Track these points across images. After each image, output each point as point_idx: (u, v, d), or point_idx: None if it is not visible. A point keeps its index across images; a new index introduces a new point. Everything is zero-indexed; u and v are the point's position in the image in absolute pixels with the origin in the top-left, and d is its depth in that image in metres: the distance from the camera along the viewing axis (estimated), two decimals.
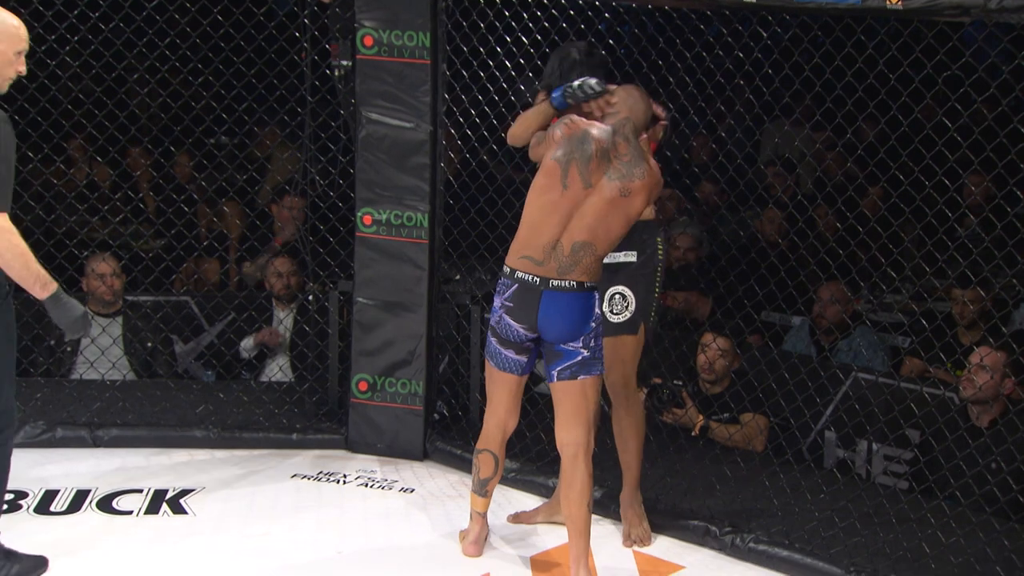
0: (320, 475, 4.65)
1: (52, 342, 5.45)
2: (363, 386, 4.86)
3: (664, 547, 4.09)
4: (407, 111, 4.68)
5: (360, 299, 4.83)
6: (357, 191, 4.79)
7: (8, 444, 3.61)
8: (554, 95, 3.70)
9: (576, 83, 3.66)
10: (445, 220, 4.81)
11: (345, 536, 4.10)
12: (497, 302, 3.67)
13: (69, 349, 5.44)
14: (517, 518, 4.26)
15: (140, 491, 4.40)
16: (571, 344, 3.63)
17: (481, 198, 4.88)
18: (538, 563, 3.95)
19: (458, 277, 4.92)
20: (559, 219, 3.57)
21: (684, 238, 5.83)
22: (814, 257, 4.39)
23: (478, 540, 3.99)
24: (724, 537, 4.04)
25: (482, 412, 4.78)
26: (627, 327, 3.96)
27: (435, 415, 4.91)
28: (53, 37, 5.00)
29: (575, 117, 3.63)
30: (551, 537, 4.11)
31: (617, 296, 3.94)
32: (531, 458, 4.58)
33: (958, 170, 3.95)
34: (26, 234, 5.19)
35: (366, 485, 4.59)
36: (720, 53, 4.23)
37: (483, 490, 3.91)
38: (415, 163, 4.72)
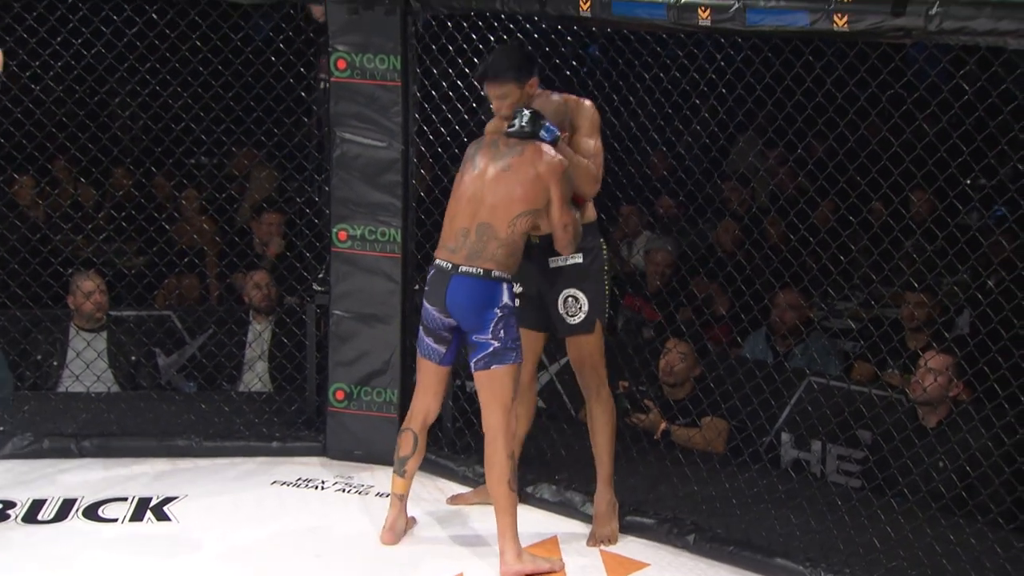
0: (300, 481, 4.75)
1: (39, 357, 5.55)
2: (340, 395, 4.98)
3: (629, 545, 4.23)
4: (379, 131, 4.80)
5: (336, 311, 4.94)
6: (332, 208, 4.89)
7: None
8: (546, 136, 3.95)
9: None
10: (417, 235, 4.94)
11: (325, 540, 4.22)
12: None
13: (55, 363, 5.56)
14: (454, 500, 4.56)
15: (125, 499, 4.48)
16: (480, 336, 3.91)
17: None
18: None
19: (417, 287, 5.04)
20: (464, 205, 3.93)
21: (661, 253, 6.02)
22: (768, 267, 4.58)
23: (394, 527, 4.15)
24: (687, 535, 4.18)
25: (454, 419, 5.00)
26: (583, 327, 4.16)
27: None
28: (37, 63, 5.13)
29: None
30: (524, 536, 4.17)
31: (570, 299, 4.13)
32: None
33: (902, 183, 4.13)
34: (13, 252, 5.37)
35: (344, 490, 4.70)
36: (677, 75, 4.40)
37: (402, 469, 4.11)
38: (388, 181, 4.84)
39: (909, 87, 4.00)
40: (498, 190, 3.88)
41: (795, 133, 4.35)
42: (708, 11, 3.87)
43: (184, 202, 6.56)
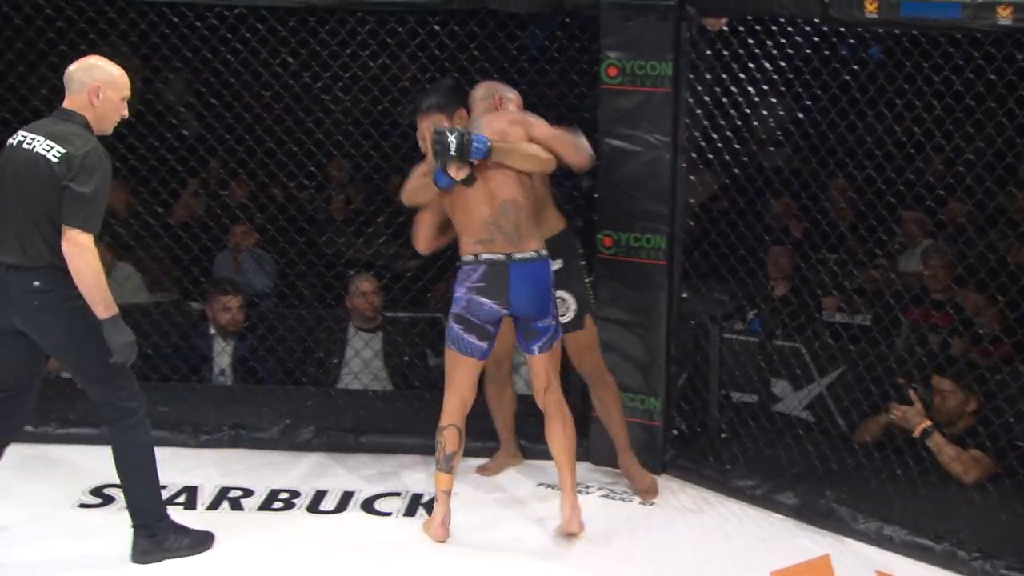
0: None
1: (321, 354, 5.82)
2: None
3: (909, 570, 4.09)
4: (648, 138, 4.76)
5: (600, 317, 4.95)
6: (598, 214, 4.92)
7: (134, 433, 3.86)
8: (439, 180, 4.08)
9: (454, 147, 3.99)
10: (686, 242, 4.89)
11: (591, 544, 4.24)
12: (461, 290, 4.02)
13: (336, 361, 5.83)
14: (484, 469, 4.84)
15: (399, 494, 4.65)
16: (543, 321, 4.03)
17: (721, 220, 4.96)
18: None
19: (684, 295, 4.97)
20: (472, 195, 4.00)
21: (938, 256, 5.72)
22: None
23: (444, 522, 4.20)
24: (973, 563, 3.99)
25: (720, 429, 4.92)
26: (574, 324, 4.52)
27: (673, 431, 4.99)
28: (328, 74, 5.45)
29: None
30: (794, 553, 4.20)
31: (558, 300, 4.35)
32: None
33: None
34: (301, 255, 5.68)
35: (607, 496, 4.71)
36: (971, 75, 4.16)
37: (448, 466, 4.16)
38: (655, 188, 4.78)
39: None
40: (494, 167, 3.98)
41: None
42: (1009, 9, 3.66)
43: None
